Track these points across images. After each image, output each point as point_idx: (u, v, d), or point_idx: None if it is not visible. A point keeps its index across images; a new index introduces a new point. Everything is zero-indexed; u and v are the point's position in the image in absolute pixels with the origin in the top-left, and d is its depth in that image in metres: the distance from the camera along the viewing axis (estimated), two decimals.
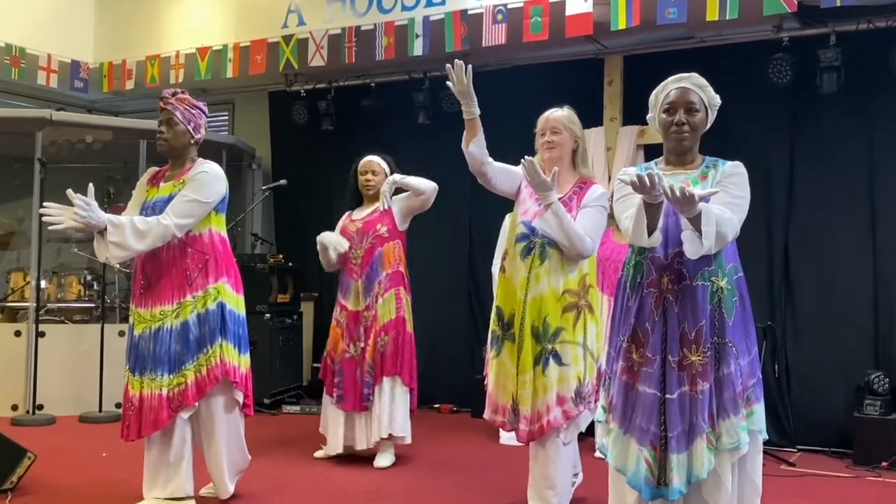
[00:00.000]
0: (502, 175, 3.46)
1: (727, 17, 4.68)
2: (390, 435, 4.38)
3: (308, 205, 6.94)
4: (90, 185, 3.26)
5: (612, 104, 5.87)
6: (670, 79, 2.75)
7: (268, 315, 6.20)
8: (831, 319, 5.16)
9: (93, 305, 6.29)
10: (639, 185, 2.42)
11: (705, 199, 2.46)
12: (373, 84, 6.61)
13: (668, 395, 2.58)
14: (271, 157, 7.42)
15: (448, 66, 3.20)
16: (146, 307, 3.42)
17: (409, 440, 4.46)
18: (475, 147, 3.32)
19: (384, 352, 4.36)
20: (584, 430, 3.51)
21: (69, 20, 6.75)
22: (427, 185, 4.38)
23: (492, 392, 3.49)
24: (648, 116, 2.82)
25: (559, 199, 3.24)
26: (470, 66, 3.20)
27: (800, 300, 5.28)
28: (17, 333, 5.84)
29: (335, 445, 4.45)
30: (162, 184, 3.52)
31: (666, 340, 2.61)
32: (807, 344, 5.23)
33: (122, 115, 7.59)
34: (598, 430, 3.37)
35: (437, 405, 6.36)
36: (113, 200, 5.76)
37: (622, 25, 4.89)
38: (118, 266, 5.75)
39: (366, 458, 4.46)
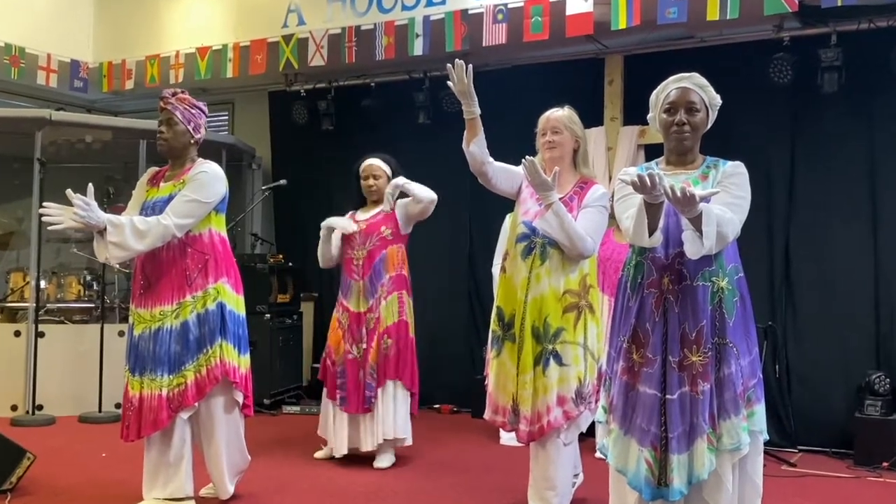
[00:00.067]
0: (503, 175, 3.45)
1: (728, 17, 4.67)
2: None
3: (308, 205, 6.92)
4: (90, 185, 3.26)
5: (612, 104, 5.86)
6: (671, 79, 2.74)
7: (268, 315, 6.20)
8: (832, 319, 5.15)
9: (92, 306, 6.29)
10: (639, 185, 2.41)
11: (706, 199, 2.46)
12: (373, 84, 6.60)
13: (668, 396, 2.58)
14: (271, 157, 7.42)
15: (448, 65, 3.20)
16: (146, 307, 3.42)
17: (409, 441, 4.47)
18: (476, 147, 3.32)
19: (387, 354, 4.35)
20: (584, 431, 3.51)
21: (69, 20, 6.74)
22: (426, 195, 4.34)
23: (492, 392, 3.49)
24: (649, 116, 2.82)
25: (560, 198, 3.24)
26: (470, 66, 3.19)
27: (800, 300, 5.28)
28: (17, 334, 5.84)
29: (340, 448, 4.43)
30: (162, 184, 3.51)
31: (666, 341, 2.61)
32: (808, 344, 5.23)
33: (121, 115, 7.58)
34: (599, 430, 3.37)
35: (437, 405, 6.35)
36: (113, 200, 5.74)
37: (623, 25, 4.89)
38: (118, 266, 5.74)
39: (366, 459, 4.46)
